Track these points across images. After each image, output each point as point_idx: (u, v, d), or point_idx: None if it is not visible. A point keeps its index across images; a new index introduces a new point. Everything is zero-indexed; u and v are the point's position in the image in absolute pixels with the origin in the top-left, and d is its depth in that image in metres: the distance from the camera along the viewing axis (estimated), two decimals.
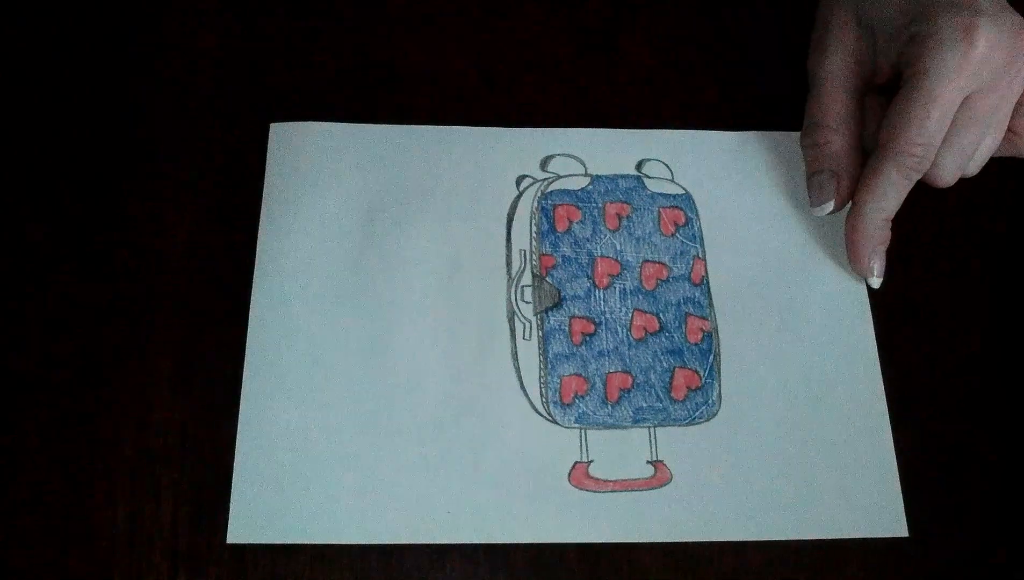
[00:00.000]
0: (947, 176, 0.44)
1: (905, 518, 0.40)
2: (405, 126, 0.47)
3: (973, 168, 0.45)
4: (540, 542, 0.40)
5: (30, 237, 0.45)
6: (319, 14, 0.50)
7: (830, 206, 0.45)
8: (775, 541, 0.40)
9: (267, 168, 0.46)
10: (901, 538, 0.40)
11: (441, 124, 0.47)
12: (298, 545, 0.40)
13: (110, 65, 0.48)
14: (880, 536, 0.40)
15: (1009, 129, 0.44)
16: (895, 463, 0.41)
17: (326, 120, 0.47)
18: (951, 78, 0.41)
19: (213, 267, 0.44)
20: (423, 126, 0.47)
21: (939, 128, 0.42)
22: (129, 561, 0.40)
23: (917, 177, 0.43)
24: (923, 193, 0.44)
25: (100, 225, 0.45)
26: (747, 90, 0.49)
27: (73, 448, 0.41)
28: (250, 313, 0.43)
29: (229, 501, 0.40)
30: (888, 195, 0.43)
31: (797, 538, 0.40)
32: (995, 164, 0.45)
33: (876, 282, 0.44)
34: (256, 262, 0.44)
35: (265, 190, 0.45)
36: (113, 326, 0.43)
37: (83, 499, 0.40)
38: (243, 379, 0.42)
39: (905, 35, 0.42)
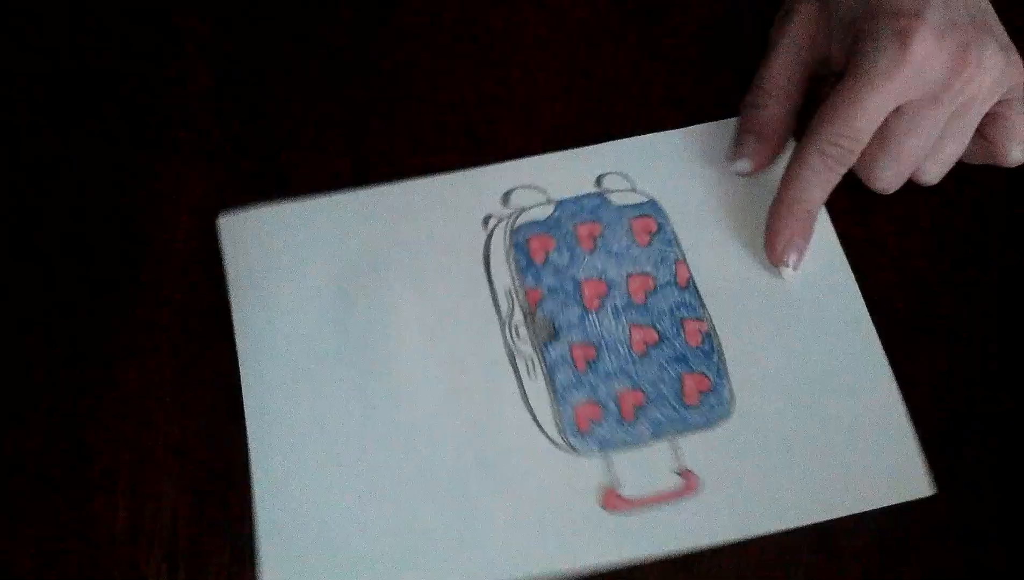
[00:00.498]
0: (885, 180, 0.43)
1: (928, 476, 0.40)
2: (359, 190, 0.46)
3: (931, 177, 0.44)
4: (586, 570, 0.39)
5: (30, 237, 0.44)
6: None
7: (746, 165, 0.45)
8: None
9: (226, 263, 0.44)
10: (927, 498, 0.40)
11: (402, 177, 0.46)
12: None
13: (110, 65, 0.48)
14: (907, 499, 0.40)
15: (984, 138, 0.44)
16: (909, 426, 0.41)
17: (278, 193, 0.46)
18: (880, 82, 0.40)
19: (214, 267, 0.44)
20: (378, 186, 0.46)
21: (865, 128, 0.42)
22: (129, 561, 0.39)
23: (842, 170, 0.43)
24: (921, 190, 0.45)
25: (100, 225, 0.45)
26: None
27: (73, 448, 0.41)
28: (245, 404, 0.42)
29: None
30: (810, 183, 0.43)
31: (829, 518, 0.40)
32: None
33: (788, 274, 0.44)
34: (239, 359, 0.42)
35: (230, 287, 0.44)
36: (113, 326, 0.43)
37: (83, 499, 0.40)
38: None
39: (853, 30, 0.42)
